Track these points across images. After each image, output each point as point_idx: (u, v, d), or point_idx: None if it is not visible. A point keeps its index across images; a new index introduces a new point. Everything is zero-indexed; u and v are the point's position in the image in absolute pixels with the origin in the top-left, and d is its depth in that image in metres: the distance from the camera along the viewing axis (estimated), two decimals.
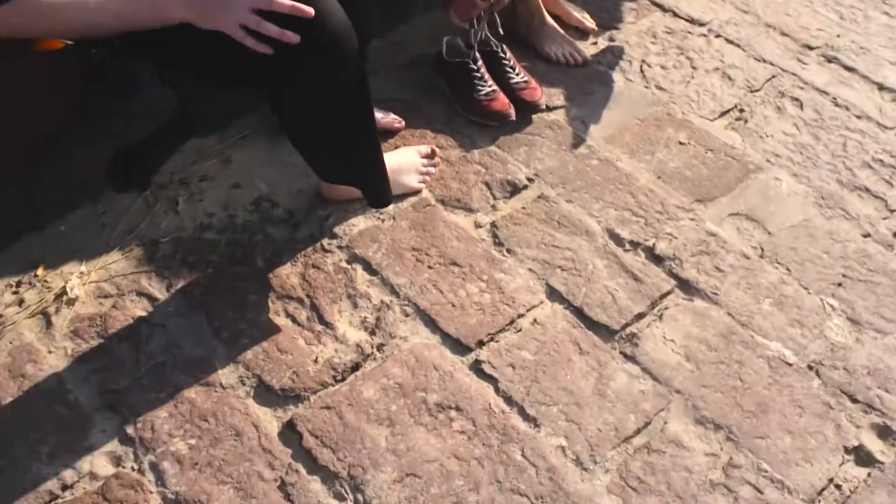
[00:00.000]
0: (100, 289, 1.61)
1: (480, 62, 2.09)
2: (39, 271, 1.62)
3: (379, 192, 1.70)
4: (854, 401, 1.63)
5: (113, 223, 1.72)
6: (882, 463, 1.54)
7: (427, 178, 1.89)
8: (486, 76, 2.08)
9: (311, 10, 1.29)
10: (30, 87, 1.36)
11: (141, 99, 1.42)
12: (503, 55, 2.14)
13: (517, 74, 2.13)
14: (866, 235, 1.98)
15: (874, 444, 1.57)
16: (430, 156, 1.94)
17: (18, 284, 1.62)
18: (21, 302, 1.58)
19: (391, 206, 1.83)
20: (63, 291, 1.58)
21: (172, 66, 1.35)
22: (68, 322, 1.55)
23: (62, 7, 1.25)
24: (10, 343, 1.52)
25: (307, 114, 1.51)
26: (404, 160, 1.87)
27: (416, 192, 1.87)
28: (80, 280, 1.60)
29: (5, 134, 1.38)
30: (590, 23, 2.45)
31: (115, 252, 1.67)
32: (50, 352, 1.51)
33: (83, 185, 1.70)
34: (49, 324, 1.55)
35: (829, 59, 2.52)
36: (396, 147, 1.98)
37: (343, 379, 1.52)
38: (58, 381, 1.47)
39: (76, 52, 1.33)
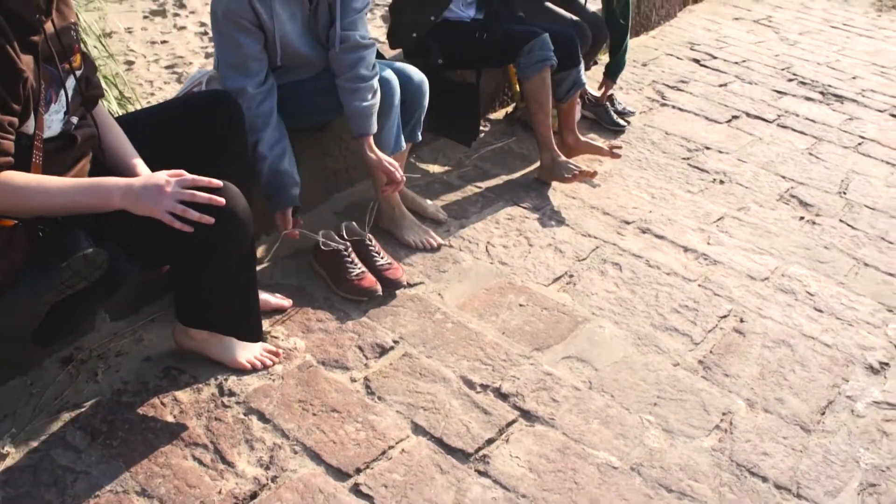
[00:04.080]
0: (29, 446, 1.95)
1: (350, 249, 2.61)
2: None
3: (255, 331, 2.21)
4: (669, 491, 2.08)
5: (40, 392, 2.09)
6: None
7: (257, 364, 2.26)
8: (356, 260, 2.59)
9: (223, 201, 1.80)
10: None
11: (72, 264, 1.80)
12: (369, 243, 2.67)
13: (382, 258, 2.66)
14: (676, 364, 2.51)
15: None
16: (272, 353, 2.32)
17: None
18: None
19: (279, 367, 2.26)
20: None
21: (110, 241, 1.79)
22: (1, 474, 1.87)
23: (28, 190, 1.69)
24: None
25: (208, 274, 2.00)
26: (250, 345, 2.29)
27: (237, 367, 2.23)
28: (10, 439, 1.94)
29: None
30: (442, 215, 3.04)
31: (43, 415, 2.02)
32: None
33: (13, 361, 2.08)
34: None
35: (643, 231, 3.16)
36: (283, 322, 2.43)
37: None
38: None
39: (24, 229, 1.73)
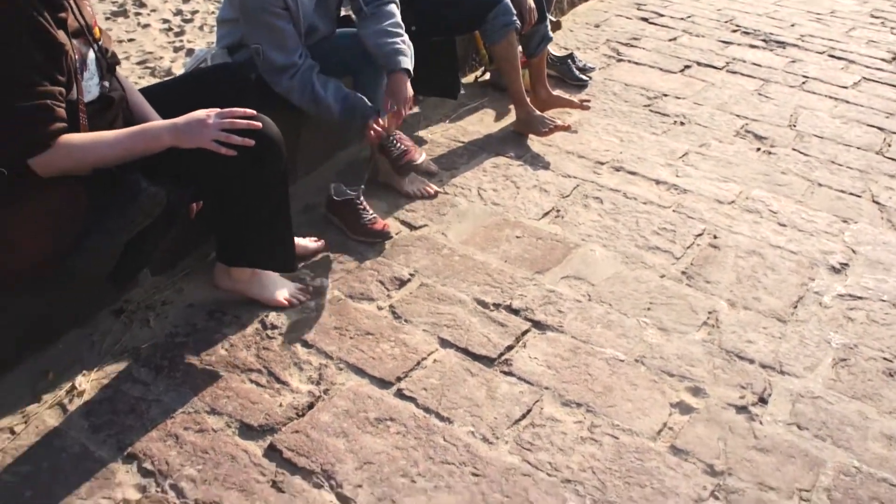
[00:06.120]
0: (101, 384, 2.20)
1: (362, 197, 2.88)
2: (50, 376, 2.19)
3: (291, 260, 2.48)
4: (671, 375, 2.40)
5: (101, 340, 2.33)
6: (697, 409, 2.30)
7: (293, 301, 2.55)
8: (367, 207, 2.87)
9: (260, 124, 2.08)
10: (47, 216, 1.96)
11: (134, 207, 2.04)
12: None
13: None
14: (662, 276, 2.84)
15: (690, 399, 2.33)
16: (304, 291, 2.60)
17: (35, 387, 2.17)
18: (39, 399, 2.14)
19: (312, 303, 2.54)
20: (73, 387, 2.16)
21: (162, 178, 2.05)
22: (81, 406, 2.12)
23: (86, 147, 1.94)
24: (37, 427, 2.06)
25: (249, 201, 2.27)
26: (285, 281, 2.58)
27: (275, 304, 2.52)
28: (84, 378, 2.19)
29: (29, 256, 1.98)
30: (434, 167, 3.34)
31: (108, 358, 2.27)
32: (71, 429, 2.07)
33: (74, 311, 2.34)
34: (66, 410, 2.11)
35: (617, 169, 3.50)
36: (308, 266, 2.71)
37: (303, 414, 2.15)
38: (82, 447, 2.02)
39: (82, 184, 1.96)
